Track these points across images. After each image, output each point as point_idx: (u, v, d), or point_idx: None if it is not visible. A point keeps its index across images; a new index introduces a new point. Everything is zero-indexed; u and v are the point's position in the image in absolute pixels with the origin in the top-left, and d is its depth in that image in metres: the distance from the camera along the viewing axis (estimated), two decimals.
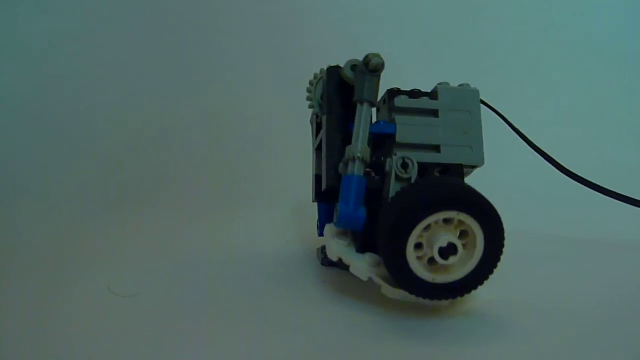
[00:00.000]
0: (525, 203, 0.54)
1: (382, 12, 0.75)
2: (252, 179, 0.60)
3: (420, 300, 0.35)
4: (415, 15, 0.74)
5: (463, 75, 0.47)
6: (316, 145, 0.46)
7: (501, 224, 0.33)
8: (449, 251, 0.32)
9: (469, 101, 0.41)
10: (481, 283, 0.34)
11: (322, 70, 0.44)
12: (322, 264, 0.46)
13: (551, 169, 0.46)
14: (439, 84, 0.42)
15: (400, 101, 0.40)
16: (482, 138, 0.40)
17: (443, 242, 0.32)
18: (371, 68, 0.38)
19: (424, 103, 0.40)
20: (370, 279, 0.36)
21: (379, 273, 0.36)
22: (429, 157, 0.39)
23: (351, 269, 0.36)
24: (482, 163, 0.40)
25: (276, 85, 0.50)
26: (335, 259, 0.37)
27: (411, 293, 0.34)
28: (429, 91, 0.42)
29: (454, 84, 0.42)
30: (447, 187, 0.33)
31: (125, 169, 0.61)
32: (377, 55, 0.38)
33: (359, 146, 0.37)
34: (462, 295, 0.34)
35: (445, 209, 0.32)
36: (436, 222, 0.33)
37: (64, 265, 0.44)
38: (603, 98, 0.72)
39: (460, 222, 0.33)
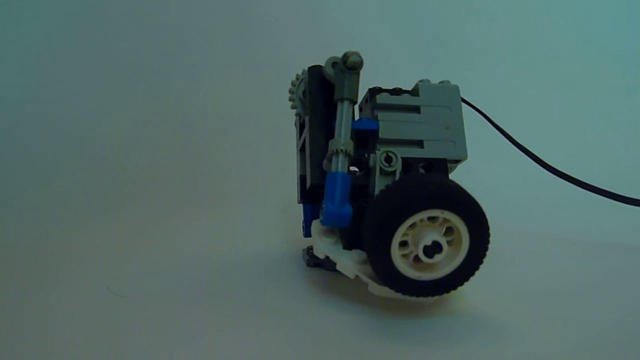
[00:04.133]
0: (516, 201, 0.54)
1: (371, 11, 0.74)
2: (245, 181, 0.61)
3: (407, 297, 0.35)
4: (415, 13, 0.74)
5: (463, 77, 0.47)
6: (300, 146, 0.45)
7: (486, 220, 0.33)
8: (434, 249, 0.32)
9: (449, 97, 0.42)
10: (467, 279, 0.34)
11: (303, 71, 0.44)
12: (308, 265, 0.46)
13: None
14: (419, 81, 0.42)
15: (382, 98, 0.41)
16: (463, 133, 0.41)
17: (428, 240, 0.32)
18: (349, 65, 0.38)
19: (405, 99, 0.41)
20: (357, 277, 0.36)
21: (366, 271, 0.36)
22: (413, 152, 0.40)
23: (338, 267, 0.36)
24: (466, 157, 0.41)
25: (270, 86, 0.50)
26: (322, 257, 0.37)
27: (396, 291, 0.34)
28: (410, 89, 0.43)
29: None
30: (431, 185, 0.32)
31: (123, 169, 0.63)
32: (355, 53, 0.38)
33: (342, 139, 0.37)
34: (447, 292, 0.34)
35: (430, 208, 0.32)
36: (421, 220, 0.33)
37: (63, 265, 0.44)
38: (602, 98, 0.72)
39: (445, 220, 0.33)
